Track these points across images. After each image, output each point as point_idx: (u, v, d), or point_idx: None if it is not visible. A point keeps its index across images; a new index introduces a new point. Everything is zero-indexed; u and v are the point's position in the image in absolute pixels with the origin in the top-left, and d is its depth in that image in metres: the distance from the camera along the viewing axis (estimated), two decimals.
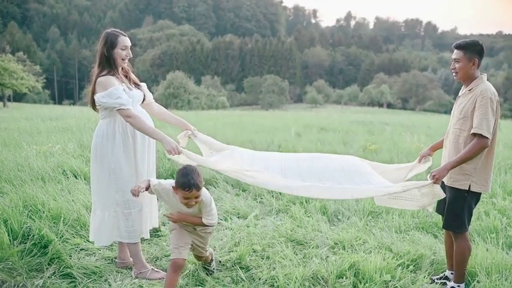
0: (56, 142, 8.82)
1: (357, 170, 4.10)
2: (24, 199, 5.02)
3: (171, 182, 3.58)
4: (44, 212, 4.82)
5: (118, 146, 3.93)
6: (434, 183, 3.75)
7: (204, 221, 3.64)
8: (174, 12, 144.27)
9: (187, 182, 3.34)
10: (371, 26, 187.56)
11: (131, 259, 4.25)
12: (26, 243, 4.20)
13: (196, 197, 3.43)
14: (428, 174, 3.83)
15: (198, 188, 3.39)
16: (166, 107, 4.33)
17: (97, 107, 3.98)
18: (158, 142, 3.97)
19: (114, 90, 3.81)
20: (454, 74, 3.98)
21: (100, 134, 3.97)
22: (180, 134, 4.37)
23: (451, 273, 4.25)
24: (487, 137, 3.70)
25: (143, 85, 4.32)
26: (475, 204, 4.02)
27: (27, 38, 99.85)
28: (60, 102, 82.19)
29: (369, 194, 3.91)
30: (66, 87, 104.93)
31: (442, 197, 3.84)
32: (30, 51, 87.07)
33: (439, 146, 4.38)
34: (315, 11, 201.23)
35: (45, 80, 53.90)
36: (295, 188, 3.89)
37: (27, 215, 4.69)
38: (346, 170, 4.09)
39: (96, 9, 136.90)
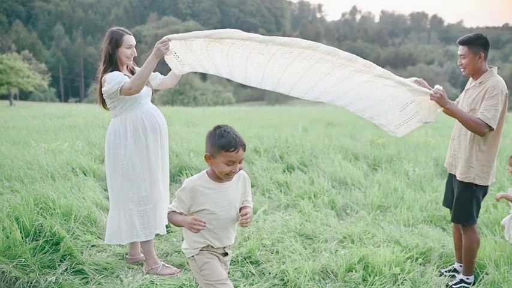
0: (64, 140, 8.86)
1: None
2: (35, 197, 5.05)
3: (194, 176, 2.84)
4: (54, 209, 4.86)
5: (130, 144, 3.96)
6: (432, 99, 3.66)
7: (252, 204, 2.98)
8: (179, 9, 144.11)
9: (232, 140, 2.65)
10: (377, 19, 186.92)
11: (142, 255, 4.30)
12: (38, 240, 4.25)
13: (240, 162, 2.72)
14: (436, 86, 3.75)
15: (245, 147, 2.72)
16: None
17: (107, 106, 4.02)
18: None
19: (111, 74, 3.87)
20: (462, 69, 3.99)
21: (112, 132, 4.01)
22: None
23: (460, 266, 4.27)
24: (491, 127, 3.70)
25: (157, 74, 4.34)
26: (483, 196, 4.04)
27: (32, 36, 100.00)
28: (66, 100, 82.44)
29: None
30: (72, 84, 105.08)
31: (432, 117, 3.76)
32: (35, 49, 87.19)
33: None
34: (320, 6, 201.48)
35: (50, 78, 54.04)
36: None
37: (39, 212, 4.73)
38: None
39: (101, 7, 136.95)
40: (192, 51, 3.72)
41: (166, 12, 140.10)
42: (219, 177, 2.75)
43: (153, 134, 4.03)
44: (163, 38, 3.67)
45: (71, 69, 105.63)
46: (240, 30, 3.45)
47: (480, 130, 3.71)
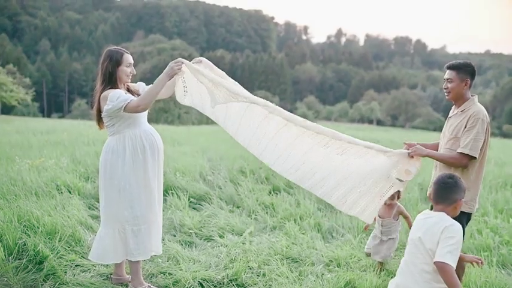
0: (48, 156, 8.76)
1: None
2: (18, 214, 4.97)
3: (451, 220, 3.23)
4: (38, 227, 4.79)
5: (128, 163, 3.92)
6: (411, 156, 3.90)
7: None
8: (166, 27, 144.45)
9: None
10: (361, 43, 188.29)
11: (127, 276, 4.24)
12: (21, 259, 4.18)
13: None
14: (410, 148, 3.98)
15: None
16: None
17: (105, 124, 3.99)
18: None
19: (113, 93, 3.86)
20: (446, 93, 4.07)
21: (109, 150, 3.97)
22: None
23: None
24: (473, 157, 3.78)
25: (141, 84, 4.34)
26: (467, 223, 4.07)
27: (17, 51, 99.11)
28: (49, 115, 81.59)
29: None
30: (56, 100, 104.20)
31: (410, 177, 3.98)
32: (20, 63, 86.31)
33: (428, 146, 4.40)
34: (305, 28, 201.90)
35: (34, 93, 53.65)
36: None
37: (22, 230, 4.65)
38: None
39: (88, 23, 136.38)
40: (200, 87, 4.08)
41: (153, 30, 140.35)
42: None
43: (151, 154, 4.01)
44: (178, 58, 3.90)
45: (55, 84, 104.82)
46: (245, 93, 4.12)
47: (460, 163, 3.84)
